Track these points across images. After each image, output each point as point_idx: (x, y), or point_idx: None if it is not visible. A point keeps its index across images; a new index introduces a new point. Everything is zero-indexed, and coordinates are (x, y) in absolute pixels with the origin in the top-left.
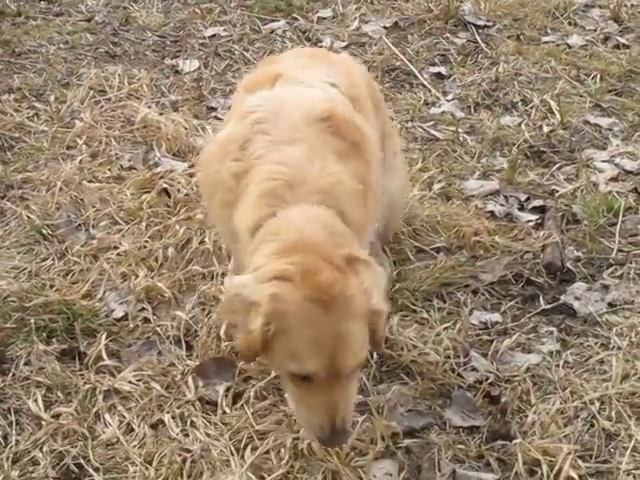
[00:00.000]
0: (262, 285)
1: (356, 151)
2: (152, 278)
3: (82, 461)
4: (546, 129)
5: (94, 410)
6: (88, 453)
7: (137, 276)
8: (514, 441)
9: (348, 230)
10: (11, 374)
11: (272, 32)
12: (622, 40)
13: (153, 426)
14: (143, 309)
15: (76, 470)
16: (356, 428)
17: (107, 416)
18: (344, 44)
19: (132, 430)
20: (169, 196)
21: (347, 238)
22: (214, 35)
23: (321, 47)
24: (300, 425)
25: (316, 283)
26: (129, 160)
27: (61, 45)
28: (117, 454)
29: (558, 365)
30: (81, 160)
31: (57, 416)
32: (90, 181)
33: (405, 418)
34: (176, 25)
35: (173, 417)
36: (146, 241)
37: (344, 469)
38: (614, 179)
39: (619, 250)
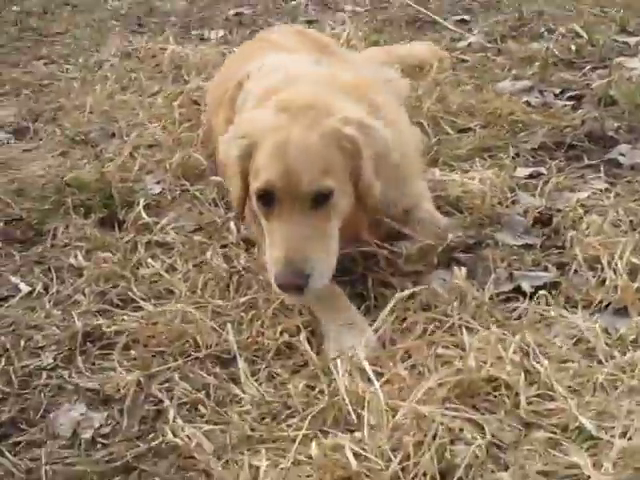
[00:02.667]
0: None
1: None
2: (189, 158)
3: (126, 295)
4: (574, 47)
5: (135, 259)
6: (132, 288)
7: (171, 163)
8: (569, 234)
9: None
10: (49, 244)
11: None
12: None
13: (196, 265)
14: (181, 185)
15: (120, 303)
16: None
17: (150, 260)
18: (366, 8)
19: (175, 269)
20: (198, 105)
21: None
22: (237, 13)
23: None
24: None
25: (290, 100)
26: (159, 89)
27: (87, 29)
28: (161, 286)
29: (609, 197)
30: (112, 91)
31: (98, 265)
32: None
33: (456, 240)
34: (199, 9)
35: (216, 255)
36: (180, 133)
37: (393, 278)
38: None
39: None
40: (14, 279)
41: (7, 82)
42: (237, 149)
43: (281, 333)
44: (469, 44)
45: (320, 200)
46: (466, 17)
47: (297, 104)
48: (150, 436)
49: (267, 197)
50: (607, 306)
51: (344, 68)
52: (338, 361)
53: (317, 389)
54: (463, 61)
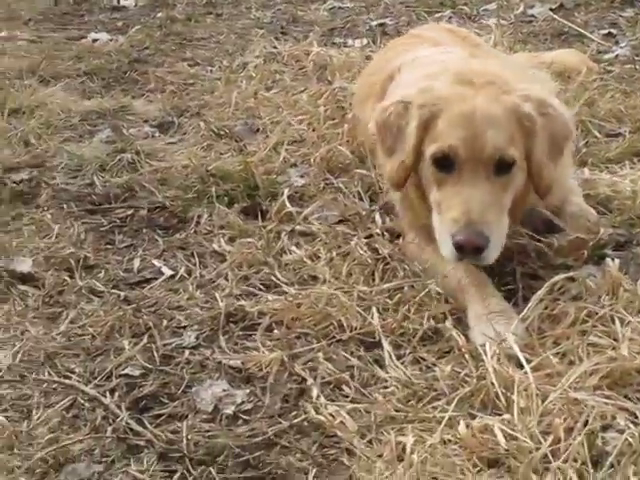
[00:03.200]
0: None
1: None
2: (334, 152)
3: (269, 281)
4: None
5: (278, 246)
6: (275, 274)
7: (316, 157)
8: None
9: None
10: (192, 230)
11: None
12: None
13: (340, 254)
14: (325, 178)
15: (263, 288)
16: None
17: (293, 248)
18: (510, 22)
19: (318, 257)
20: (342, 104)
21: None
22: (381, 24)
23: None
24: (439, 239)
25: (468, 74)
26: (303, 89)
27: (231, 35)
28: (305, 272)
29: None
30: (256, 90)
31: (241, 251)
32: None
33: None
34: (342, 19)
35: (360, 244)
36: (325, 129)
37: (542, 271)
38: None
39: None
40: (157, 263)
41: (152, 80)
42: (416, 118)
43: (427, 319)
44: (616, 56)
45: (502, 168)
46: (613, 31)
47: (477, 78)
48: (292, 414)
49: (445, 161)
50: None
51: (499, 65)
52: (487, 345)
53: (464, 373)
54: (610, 72)
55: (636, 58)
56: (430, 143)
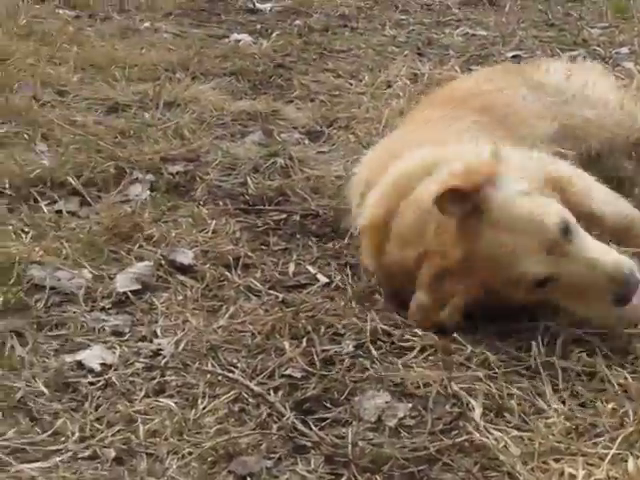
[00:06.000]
0: None
1: None
2: None
3: None
4: None
5: None
6: None
7: None
8: None
9: None
10: (346, 241)
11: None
12: None
13: None
14: None
15: None
16: None
17: None
18: None
19: None
20: None
21: None
22: (515, 56)
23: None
24: None
25: None
26: None
27: (369, 50)
28: None
29: None
30: (403, 110)
31: None
32: None
33: None
34: (476, 47)
35: None
36: None
37: None
38: None
39: None
40: (312, 269)
41: (297, 88)
42: None
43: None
44: None
45: None
46: None
47: None
48: (454, 433)
49: None
50: None
51: None
52: None
53: (622, 412)
54: None
55: None
56: None
